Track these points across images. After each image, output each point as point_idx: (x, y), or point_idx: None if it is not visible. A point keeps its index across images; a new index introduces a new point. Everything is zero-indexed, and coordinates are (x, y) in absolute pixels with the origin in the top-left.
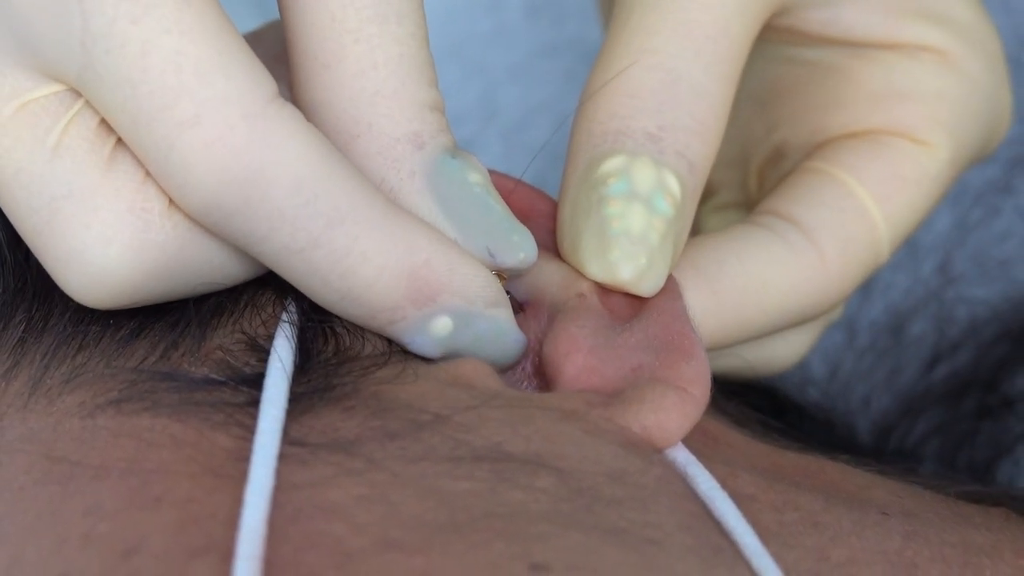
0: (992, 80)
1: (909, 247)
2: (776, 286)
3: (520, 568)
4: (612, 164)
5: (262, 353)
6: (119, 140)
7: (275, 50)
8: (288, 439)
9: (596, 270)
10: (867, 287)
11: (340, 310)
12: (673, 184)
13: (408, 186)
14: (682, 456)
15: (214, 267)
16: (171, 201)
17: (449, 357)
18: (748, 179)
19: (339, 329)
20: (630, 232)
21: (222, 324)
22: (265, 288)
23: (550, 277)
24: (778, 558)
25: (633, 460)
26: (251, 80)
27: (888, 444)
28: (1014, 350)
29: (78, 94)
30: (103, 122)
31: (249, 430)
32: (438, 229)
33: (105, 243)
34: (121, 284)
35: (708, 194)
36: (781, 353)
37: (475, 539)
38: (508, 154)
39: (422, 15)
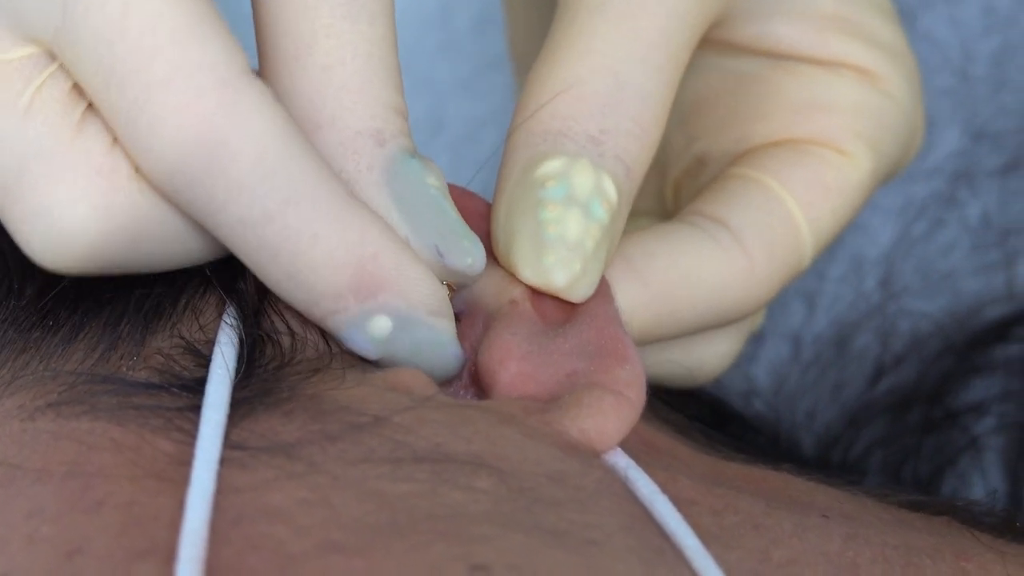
0: (910, 98)
1: (853, 261)
2: (706, 283)
3: (460, 570)
4: (551, 167)
5: (200, 358)
6: (89, 106)
7: None
8: (229, 443)
9: (530, 274)
10: (812, 300)
11: (284, 291)
12: (611, 189)
13: (365, 178)
14: (622, 461)
15: (176, 239)
16: (137, 168)
17: (387, 365)
18: (664, 188)
19: (278, 335)
20: (566, 238)
21: (160, 327)
22: (204, 292)
23: (484, 284)
24: (719, 559)
25: (573, 463)
26: (225, 50)
27: (832, 456)
28: (958, 363)
29: (52, 57)
30: (75, 87)
31: (189, 435)
32: (390, 226)
33: (72, 203)
34: (85, 245)
35: None
36: (709, 359)
37: (416, 541)
38: (456, 166)
39: (393, 20)
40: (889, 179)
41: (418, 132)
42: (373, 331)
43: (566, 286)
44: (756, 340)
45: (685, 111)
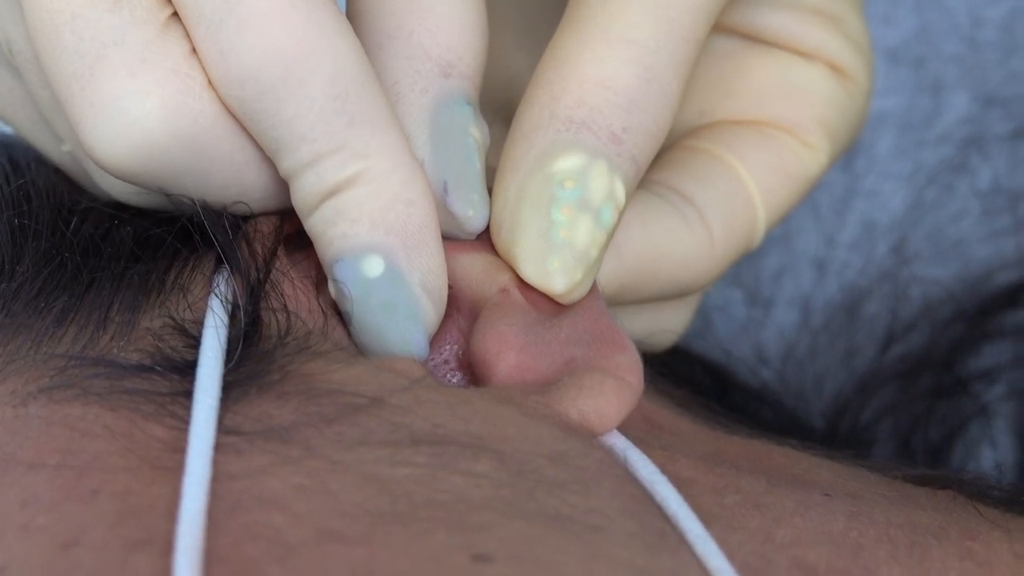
0: (867, 96)
1: (864, 227)
2: (670, 257)
3: (462, 559)
4: (569, 164)
5: (190, 338)
6: (174, 14)
7: None
8: (223, 428)
9: (531, 273)
10: (822, 267)
11: (306, 198)
12: (620, 193)
13: (413, 99)
14: (620, 442)
15: (232, 165)
16: (211, 82)
17: (354, 327)
18: None
19: (269, 314)
20: (574, 245)
21: (150, 306)
22: (192, 269)
23: (468, 269)
24: (721, 541)
25: (573, 443)
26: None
27: (842, 424)
28: (969, 330)
29: None
30: None
31: (183, 420)
32: (413, 142)
33: (144, 94)
34: (147, 141)
35: None
36: (666, 325)
37: (416, 529)
38: None
39: None
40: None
41: None
42: (363, 267)
43: (563, 293)
44: (765, 307)
45: None
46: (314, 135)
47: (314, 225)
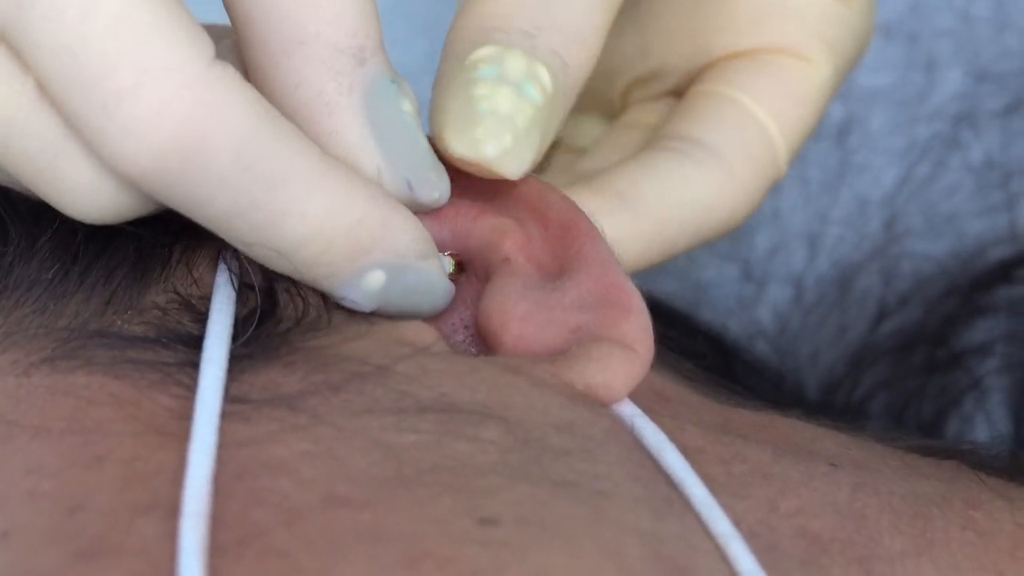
0: (866, 2)
1: (857, 202)
2: (693, 204)
3: (468, 523)
4: (484, 51)
5: (196, 313)
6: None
7: None
8: (229, 397)
9: (460, 147)
10: (814, 243)
11: (274, 265)
12: (544, 76)
13: (345, 101)
14: (628, 410)
15: None
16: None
17: (381, 312)
18: (611, 93)
19: (276, 289)
20: (497, 111)
21: (155, 280)
22: (197, 246)
23: (475, 239)
24: (727, 509)
25: (581, 411)
26: (193, 44)
27: (835, 399)
28: (961, 305)
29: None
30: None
31: (188, 389)
32: (363, 154)
33: None
34: None
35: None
36: None
37: (422, 494)
38: None
39: None
40: (849, 72)
41: (417, 75)
42: (367, 286)
43: (496, 157)
44: (759, 283)
45: (638, 19)
46: (239, 208)
47: (291, 275)
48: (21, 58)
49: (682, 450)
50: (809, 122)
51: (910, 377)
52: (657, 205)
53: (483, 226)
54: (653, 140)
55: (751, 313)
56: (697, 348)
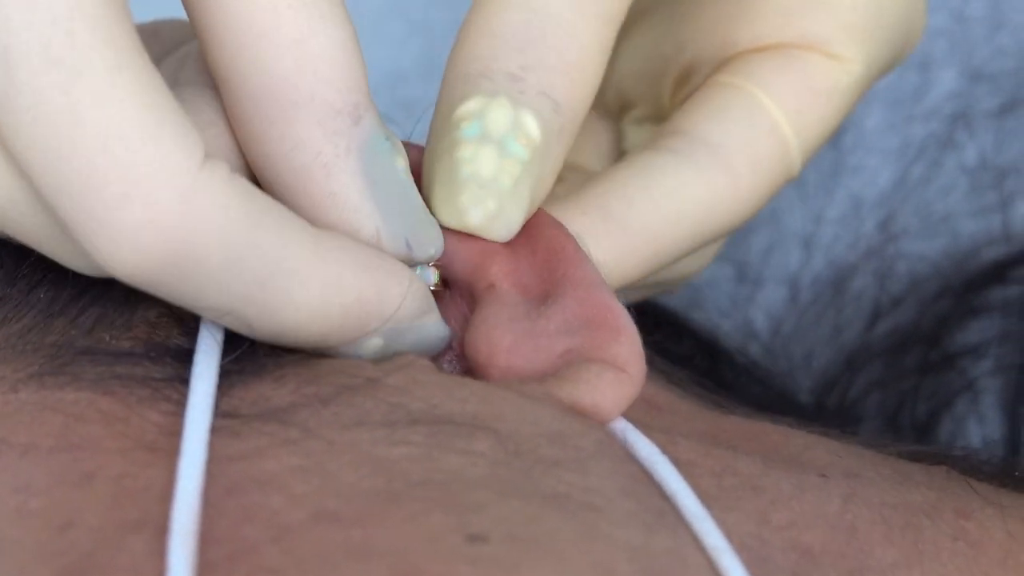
0: None
1: (852, 202)
2: (688, 213)
3: (457, 540)
4: (468, 107)
5: (184, 326)
6: None
7: (170, 46)
8: (219, 412)
9: (447, 216)
10: (809, 243)
11: (274, 342)
12: (531, 125)
13: (343, 163)
14: (619, 424)
15: None
16: None
17: None
18: (662, 95)
19: None
20: (479, 176)
21: (146, 296)
22: None
23: (462, 264)
24: (719, 522)
25: (571, 423)
26: (182, 150)
27: (829, 400)
28: (956, 306)
29: None
30: None
31: (178, 404)
32: (362, 216)
33: None
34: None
35: (627, 107)
36: (688, 265)
37: (412, 509)
38: None
39: None
40: (888, 71)
41: (412, 76)
42: (366, 351)
43: (481, 224)
44: (753, 284)
45: (672, 15)
46: (231, 304)
47: (300, 345)
48: (12, 156)
49: (673, 462)
50: (830, 122)
51: (904, 378)
52: (650, 220)
53: (469, 249)
54: (656, 137)
55: (745, 314)
56: (686, 351)
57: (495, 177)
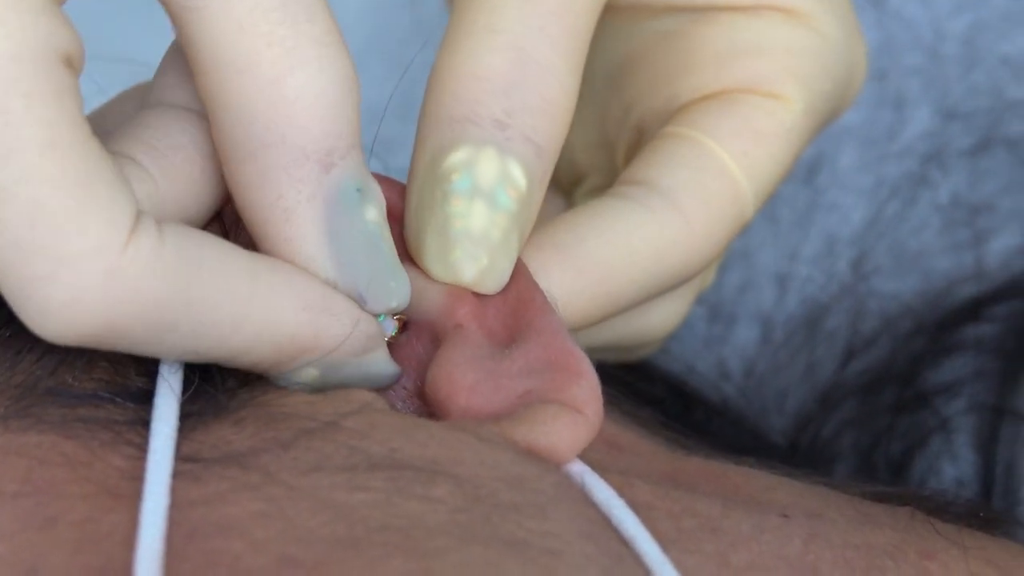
0: (843, 33)
1: (827, 241)
2: (642, 254)
3: None
4: (457, 157)
5: (144, 365)
6: None
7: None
8: (181, 456)
9: (439, 271)
10: (783, 282)
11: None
12: (518, 175)
13: (304, 211)
14: (577, 467)
15: None
16: None
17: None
18: (615, 162)
19: None
20: (471, 231)
21: None
22: None
23: (429, 302)
24: (678, 564)
25: (529, 467)
26: (110, 221)
27: (803, 438)
28: (929, 344)
29: None
30: None
31: (140, 448)
32: (316, 264)
33: None
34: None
35: (578, 178)
36: (656, 323)
37: (372, 555)
38: None
39: (330, 11)
40: (833, 118)
41: (390, 115)
42: (301, 379)
43: (475, 280)
44: (727, 323)
45: (616, 79)
46: (167, 353)
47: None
48: None
49: (631, 506)
50: (781, 160)
51: (878, 416)
52: (600, 258)
53: (438, 289)
54: (610, 188)
55: (718, 353)
56: (656, 393)
57: (486, 232)
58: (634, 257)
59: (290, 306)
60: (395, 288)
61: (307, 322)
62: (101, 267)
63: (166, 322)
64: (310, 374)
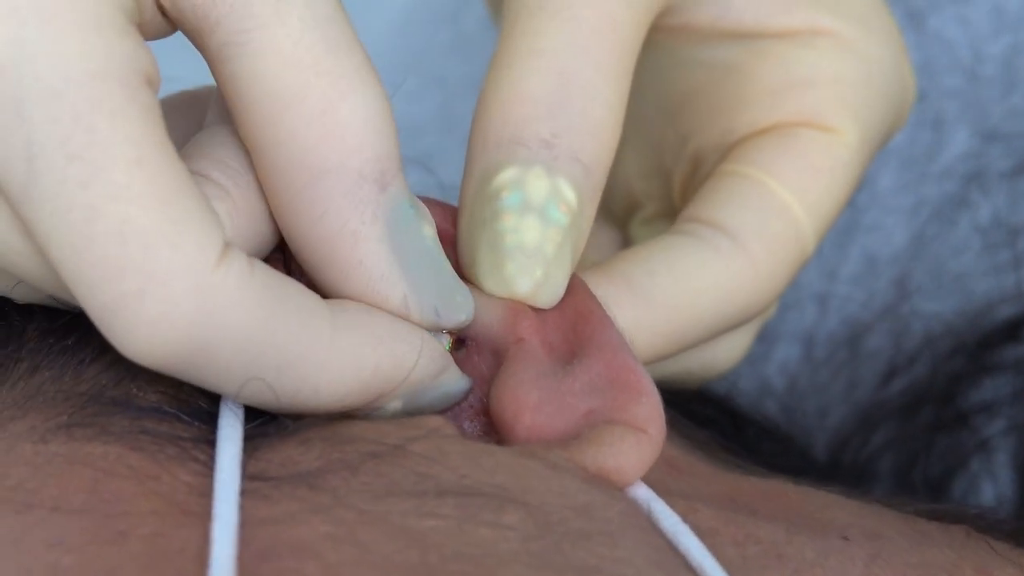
0: (891, 57)
1: (867, 261)
2: (710, 294)
3: None
4: (505, 176)
5: None
6: None
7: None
8: (247, 474)
9: (493, 286)
10: (824, 301)
11: (294, 413)
12: (568, 192)
13: (370, 231)
14: (643, 493)
15: None
16: None
17: None
18: (671, 190)
19: None
20: (524, 245)
21: None
22: None
23: (489, 317)
24: None
25: (597, 494)
26: (199, 243)
27: (843, 457)
28: (969, 364)
29: None
30: None
31: (206, 465)
32: (389, 284)
33: None
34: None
35: (634, 207)
36: (722, 356)
37: None
38: None
39: (359, 40)
40: (887, 140)
41: (430, 130)
42: (386, 412)
43: (529, 293)
44: (768, 341)
45: (672, 110)
46: (248, 391)
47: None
48: (35, 243)
49: (696, 531)
50: (838, 195)
51: (917, 436)
52: (671, 295)
53: (498, 304)
54: (676, 224)
55: (760, 371)
56: (708, 413)
57: (540, 246)
58: (702, 297)
59: (367, 341)
60: (462, 302)
61: (386, 353)
62: (190, 287)
63: (249, 355)
64: (394, 407)
